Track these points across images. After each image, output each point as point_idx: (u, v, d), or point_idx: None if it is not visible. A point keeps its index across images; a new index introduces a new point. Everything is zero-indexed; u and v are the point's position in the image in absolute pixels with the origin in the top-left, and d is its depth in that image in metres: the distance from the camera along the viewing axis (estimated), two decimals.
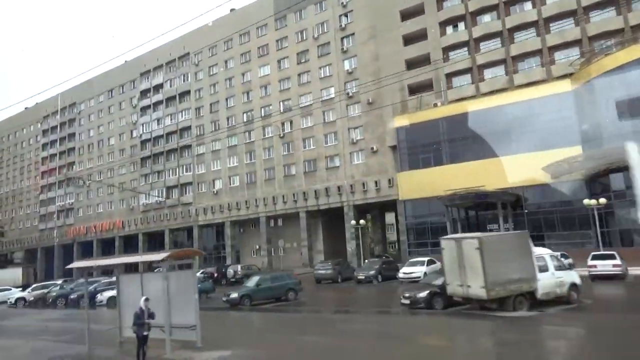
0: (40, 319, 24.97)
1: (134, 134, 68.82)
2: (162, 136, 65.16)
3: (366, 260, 40.37)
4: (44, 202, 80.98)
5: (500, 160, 38.47)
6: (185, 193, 61.86)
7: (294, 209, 51.52)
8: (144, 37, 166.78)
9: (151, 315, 11.46)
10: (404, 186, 42.69)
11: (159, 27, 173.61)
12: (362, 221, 39.85)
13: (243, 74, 58.00)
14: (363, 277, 29.37)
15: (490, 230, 38.03)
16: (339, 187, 48.47)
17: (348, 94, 48.68)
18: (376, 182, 46.06)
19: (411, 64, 45.43)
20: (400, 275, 28.33)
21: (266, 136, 54.78)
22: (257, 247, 56.47)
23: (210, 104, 60.46)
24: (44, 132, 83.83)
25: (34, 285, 36.87)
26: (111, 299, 27.75)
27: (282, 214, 53.14)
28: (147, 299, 11.48)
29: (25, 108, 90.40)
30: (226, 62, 59.78)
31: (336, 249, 50.94)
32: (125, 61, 72.79)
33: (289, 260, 52.21)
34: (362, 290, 28.03)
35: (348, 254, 47.34)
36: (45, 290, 34.21)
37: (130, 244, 68.79)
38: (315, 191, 49.96)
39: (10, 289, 41.25)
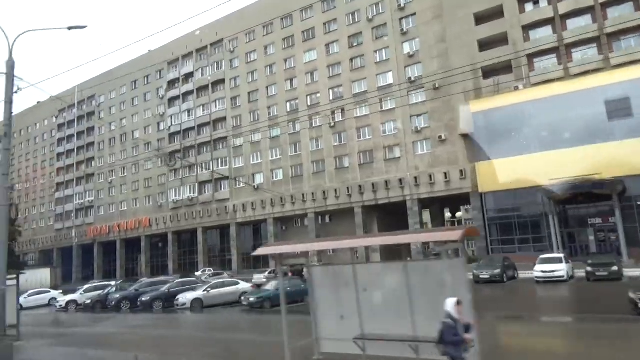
0: (130, 325, 20.24)
1: (162, 127, 63.95)
2: (193, 128, 60.37)
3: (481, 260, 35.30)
4: (61, 200, 75.80)
5: (599, 147, 34.13)
6: (221, 189, 57.08)
7: (347, 204, 46.93)
8: (168, 25, 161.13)
9: (468, 328, 6.85)
10: (484, 177, 38.21)
11: (183, 14, 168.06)
12: (459, 213, 35.09)
13: (286, 60, 53.39)
14: (488, 276, 24.85)
15: (593, 226, 33.76)
16: (400, 180, 43.98)
17: (410, 79, 44.24)
18: (445, 174, 41.60)
19: (484, 45, 41.08)
20: (537, 274, 23.82)
21: (313, 126, 50.19)
22: None
23: (248, 93, 55.75)
24: (60, 126, 78.70)
25: (86, 287, 32.09)
26: (196, 301, 23.12)
27: (332, 210, 48.49)
28: (459, 302, 6.81)
29: (38, 102, 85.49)
30: (266, 48, 55.12)
31: (393, 246, 46.42)
32: (149, 50, 68.09)
33: (339, 260, 47.53)
34: (521, 291, 23.22)
35: (412, 252, 42.84)
36: (103, 292, 29.51)
37: (157, 244, 63.94)
38: (373, 184, 45.42)
39: (49, 291, 36.51)
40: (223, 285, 24.49)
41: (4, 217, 14.21)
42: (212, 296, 23.52)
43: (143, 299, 25.23)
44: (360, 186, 46.14)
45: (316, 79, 50.78)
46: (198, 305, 23.12)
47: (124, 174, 67.38)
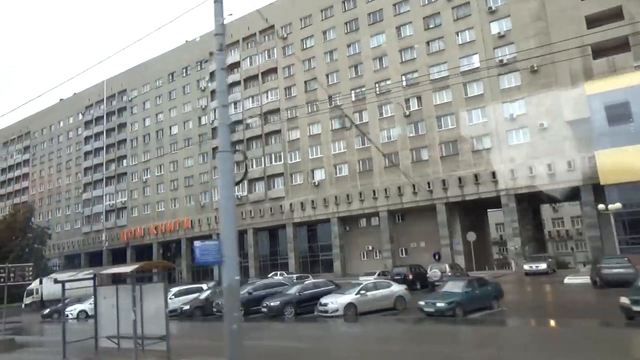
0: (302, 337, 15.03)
1: (203, 121, 58.85)
2: (240, 121, 55.31)
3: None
4: (88, 202, 70.41)
5: None
6: (274, 186, 51.90)
7: (428, 200, 41.90)
8: (208, 14, 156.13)
9: None
10: (606, 167, 33.22)
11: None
12: (612, 206, 29.87)
13: (348, 46, 48.52)
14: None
15: None
16: (493, 173, 39.02)
17: (501, 61, 39.41)
18: (549, 166, 36.66)
19: (593, 21, 36.29)
20: None
21: (384, 115, 45.28)
22: (369, 247, 46.66)
23: (305, 82, 50.78)
24: (87, 124, 73.47)
25: (174, 291, 26.85)
26: (349, 307, 17.97)
27: (409, 208, 43.40)
28: None
29: (61, 99, 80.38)
30: (325, 33, 50.26)
31: (478, 247, 41.45)
32: (186, 41, 63.26)
33: (413, 263, 42.52)
34: None
35: (510, 254, 37.84)
36: (200, 296, 24.47)
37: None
38: (459, 178, 40.44)
39: None
40: (375, 287, 19.27)
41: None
42: (367, 301, 18.35)
43: (271, 303, 20.02)
44: (443, 181, 41.13)
45: (385, 64, 45.92)
46: (352, 311, 17.95)
47: (160, 172, 62.15)
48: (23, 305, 43.48)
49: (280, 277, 38.56)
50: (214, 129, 57.32)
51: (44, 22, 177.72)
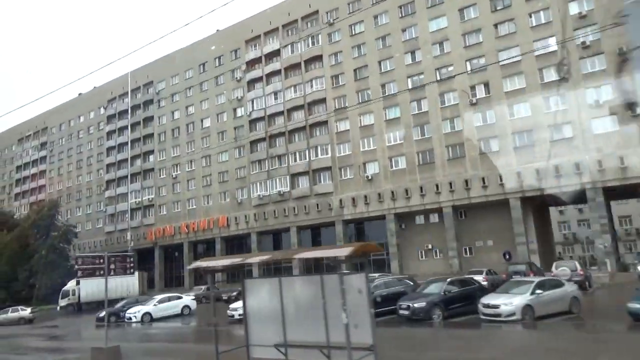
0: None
1: (239, 113, 55.22)
2: (281, 113, 51.71)
3: None
4: (112, 200, 66.64)
5: None
6: (320, 181, 48.27)
7: (499, 195, 38.34)
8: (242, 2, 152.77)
9: None
10: None
11: None
12: None
13: (404, 30, 45.03)
14: None
15: None
16: (577, 165, 35.49)
17: (584, 43, 35.97)
18: None
19: None
20: None
21: (446, 104, 41.79)
22: (428, 246, 43.01)
23: (354, 70, 47.28)
24: (109, 118, 69.78)
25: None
26: (526, 309, 14.30)
27: (477, 203, 39.79)
28: None
29: (80, 94, 76.76)
30: (376, 17, 46.77)
31: (549, 247, 37.96)
32: (218, 30, 59.80)
33: (482, 264, 38.95)
34: None
35: (597, 252, 34.29)
36: None
37: (236, 246, 54.89)
38: (537, 170, 36.89)
39: (181, 297, 27.67)
40: (549, 286, 15.62)
41: None
42: (544, 302, 14.73)
43: (415, 304, 16.39)
44: (518, 173, 37.59)
45: (447, 49, 42.47)
46: (529, 315, 14.32)
47: (191, 167, 58.44)
48: (58, 308, 39.75)
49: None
50: (251, 121, 53.79)
51: (59, 16, 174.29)
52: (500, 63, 38.75)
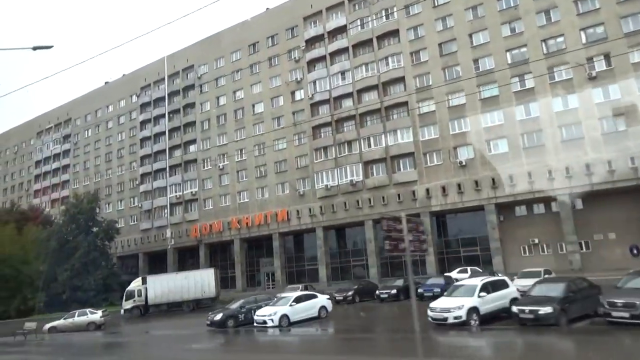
0: None
1: (298, 96, 49.79)
2: (349, 94, 46.37)
3: None
4: (148, 195, 60.90)
5: None
6: (400, 168, 42.90)
7: (631, 180, 33.12)
8: None
9: None
10: None
11: None
12: None
13: None
14: None
15: None
16: None
17: None
18: None
19: None
20: None
21: (557, 79, 36.58)
22: (534, 240, 37.65)
23: (439, 45, 42.01)
24: (143, 106, 64.12)
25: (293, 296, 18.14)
26: None
27: (600, 190, 34.47)
28: None
29: (106, 82, 71.20)
30: None
31: None
32: (267, 9, 54.51)
33: (601, 260, 33.83)
34: None
35: None
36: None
37: (297, 242, 49.46)
38: None
39: (316, 295, 22.04)
40: None
41: None
42: None
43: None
44: None
45: (556, 18, 37.31)
46: None
47: (241, 157, 52.88)
48: (122, 311, 34.03)
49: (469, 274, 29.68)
50: (313, 105, 48.38)
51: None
52: (625, 31, 33.77)
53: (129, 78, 67.05)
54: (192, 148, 58.19)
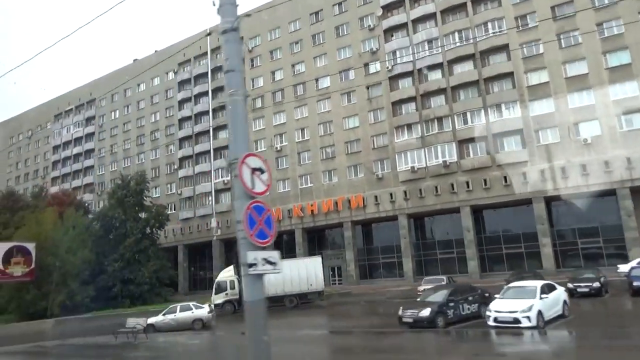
0: None
1: (373, 69, 43.99)
2: (438, 65, 40.68)
3: None
4: (188, 180, 54.67)
5: None
6: (504, 147, 37.27)
7: None
8: None
9: None
10: None
11: None
12: None
13: None
14: None
15: None
16: None
17: None
18: None
19: None
20: None
21: None
22: None
23: (552, 7, 36.46)
24: (182, 84, 57.90)
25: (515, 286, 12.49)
26: None
27: None
28: None
29: (135, 60, 64.92)
30: None
31: None
32: None
33: None
34: None
35: None
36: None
37: (374, 231, 43.63)
38: None
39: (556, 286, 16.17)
40: None
41: None
42: None
43: None
44: None
45: None
46: None
47: (302, 137, 46.95)
48: (211, 307, 27.71)
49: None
50: (392, 78, 42.61)
51: None
52: None
53: (163, 54, 60.34)
54: None
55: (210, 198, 52.27)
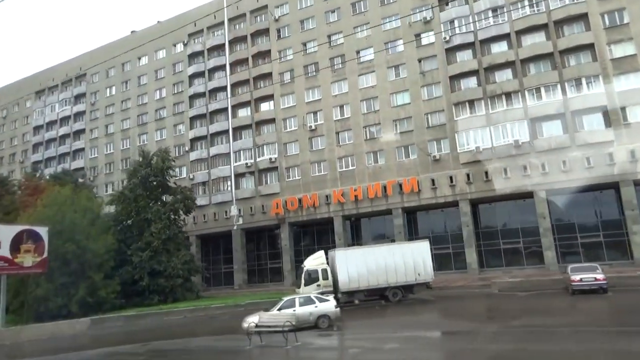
0: None
1: (426, 40, 39.59)
2: (504, 36, 36.68)
3: None
4: (201, 164, 48.70)
5: None
6: (583, 126, 33.55)
7: None
8: None
9: None
10: None
11: None
12: None
13: None
14: None
15: None
16: None
17: None
18: None
19: None
20: None
21: None
22: None
23: None
24: (193, 57, 51.75)
25: None
26: None
27: None
28: None
29: (133, 32, 58.14)
30: None
31: None
32: None
33: None
34: None
35: None
36: None
37: (429, 219, 39.14)
38: None
39: None
40: None
41: None
42: None
43: None
44: None
45: None
46: None
47: (341, 114, 42.01)
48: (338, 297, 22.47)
49: None
50: (449, 50, 38.35)
51: None
52: None
53: (169, 24, 53.71)
54: (264, 106, 46.59)
55: (229, 183, 46.47)
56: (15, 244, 26.09)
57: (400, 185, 37.83)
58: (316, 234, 43.38)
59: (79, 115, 59.76)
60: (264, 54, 47.26)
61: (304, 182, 42.57)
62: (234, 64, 48.82)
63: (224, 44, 49.59)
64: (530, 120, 34.67)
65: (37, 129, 63.29)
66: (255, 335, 14.40)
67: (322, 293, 20.46)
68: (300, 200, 41.79)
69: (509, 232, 36.24)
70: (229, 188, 46.21)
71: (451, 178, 36.38)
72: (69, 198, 29.83)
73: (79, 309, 27.11)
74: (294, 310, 16.28)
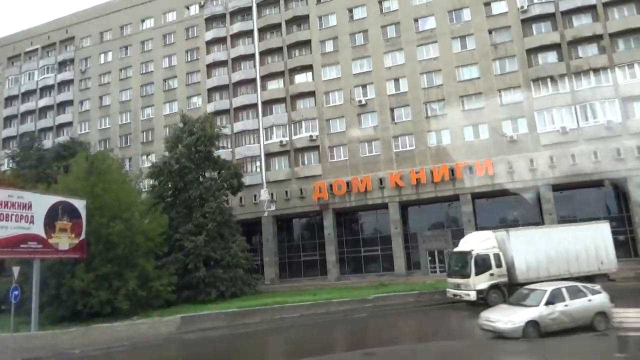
0: None
1: (497, 9, 35.61)
2: (589, 8, 33.32)
3: None
4: (224, 141, 42.29)
5: None
6: None
7: None
8: None
9: None
10: None
11: None
12: None
13: None
14: None
15: None
16: None
17: None
18: None
19: None
20: None
21: None
22: None
23: None
24: (211, 21, 45.29)
25: None
26: None
27: None
28: None
29: None
30: None
31: None
32: None
33: None
34: None
35: None
36: None
37: (501, 207, 35.07)
38: None
39: None
40: None
41: None
42: None
43: None
44: None
45: None
46: None
47: (397, 89, 37.29)
48: (471, 294, 17.53)
49: None
50: (525, 21, 34.67)
51: None
52: None
53: None
54: (300, 77, 41.08)
55: (258, 164, 40.59)
56: (51, 219, 19.62)
57: (471, 168, 33.60)
58: (362, 221, 38.49)
59: (64, 84, 51.50)
60: (300, 20, 41.75)
61: (352, 163, 37.50)
62: (263, 30, 42.92)
63: (250, 7, 43.57)
64: (621, 99, 31.44)
65: (9, 99, 54.27)
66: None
67: (495, 285, 15.66)
68: (348, 184, 36.67)
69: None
70: (258, 169, 40.34)
71: (531, 161, 32.56)
72: (109, 166, 23.25)
73: (131, 309, 20.78)
74: (566, 305, 11.49)
